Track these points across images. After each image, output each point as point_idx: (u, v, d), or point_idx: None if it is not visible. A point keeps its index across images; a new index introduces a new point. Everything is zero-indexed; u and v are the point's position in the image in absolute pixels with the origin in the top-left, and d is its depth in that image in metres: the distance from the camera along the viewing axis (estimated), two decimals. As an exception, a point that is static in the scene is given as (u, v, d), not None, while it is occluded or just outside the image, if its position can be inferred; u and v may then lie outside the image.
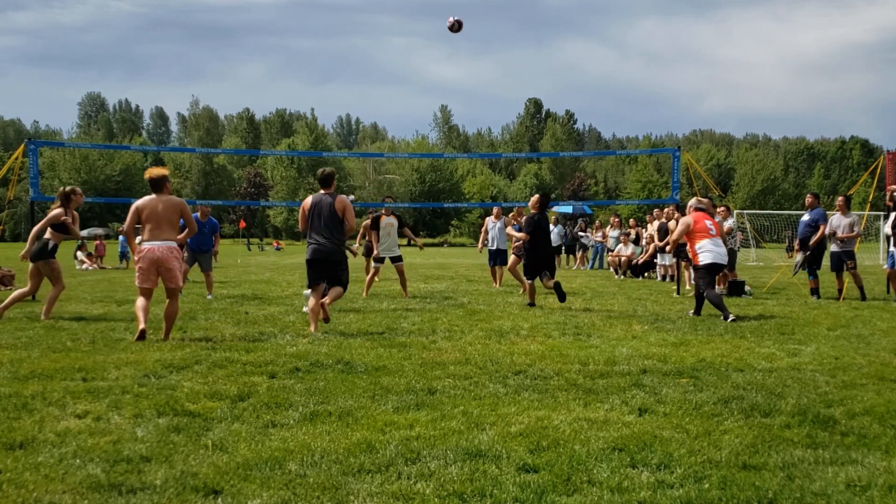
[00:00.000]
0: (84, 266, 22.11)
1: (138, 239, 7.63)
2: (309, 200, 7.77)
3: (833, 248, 12.04)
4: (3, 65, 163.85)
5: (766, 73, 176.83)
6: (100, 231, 34.21)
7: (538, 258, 10.56)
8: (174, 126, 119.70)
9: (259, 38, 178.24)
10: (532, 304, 10.56)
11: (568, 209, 34.14)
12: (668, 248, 11.45)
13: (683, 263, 13.62)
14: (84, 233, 29.80)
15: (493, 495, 3.16)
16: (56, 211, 9.18)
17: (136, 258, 7.23)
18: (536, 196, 10.93)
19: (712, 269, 9.54)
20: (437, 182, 75.39)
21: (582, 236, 23.09)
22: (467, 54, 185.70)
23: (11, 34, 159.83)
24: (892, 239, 11.37)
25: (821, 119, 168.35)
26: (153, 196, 7.21)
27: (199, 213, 12.49)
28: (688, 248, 9.96)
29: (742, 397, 4.88)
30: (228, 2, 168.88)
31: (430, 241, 75.52)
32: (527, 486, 3.26)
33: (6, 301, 8.94)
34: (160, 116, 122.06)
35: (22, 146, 12.08)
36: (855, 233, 11.91)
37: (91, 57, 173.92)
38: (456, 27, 11.40)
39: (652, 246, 16.16)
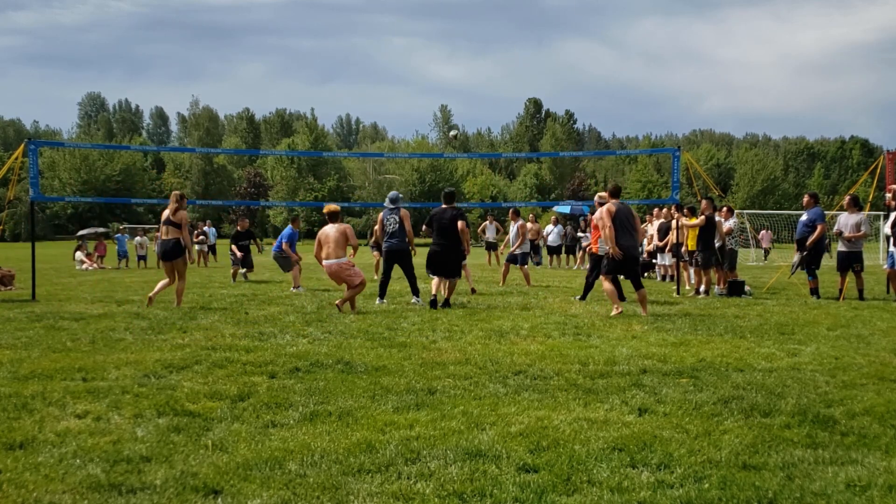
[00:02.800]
0: (84, 266, 22.11)
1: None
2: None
3: (840, 247, 11.95)
4: (3, 65, 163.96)
5: (766, 73, 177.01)
6: (101, 230, 34.21)
7: (430, 254, 10.57)
8: (174, 126, 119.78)
9: (259, 38, 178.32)
10: (433, 303, 10.24)
11: (566, 209, 34.14)
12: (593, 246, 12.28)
13: (683, 263, 13.61)
14: (83, 231, 29.81)
15: (493, 495, 3.16)
16: (183, 213, 10.41)
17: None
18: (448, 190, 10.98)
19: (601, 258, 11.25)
20: (437, 182, 75.31)
21: (581, 236, 23.08)
22: (467, 54, 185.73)
23: (11, 34, 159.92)
24: (892, 239, 11.36)
25: (821, 119, 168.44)
26: (329, 224, 9.86)
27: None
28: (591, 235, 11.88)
29: (742, 397, 4.88)
30: (228, 2, 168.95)
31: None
32: (527, 486, 3.26)
33: (156, 289, 10.46)
34: (160, 116, 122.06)
35: (22, 146, 12.06)
36: (862, 232, 11.83)
37: (91, 57, 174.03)
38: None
39: (652, 245, 16.16)
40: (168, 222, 10.14)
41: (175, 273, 10.24)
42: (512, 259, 14.80)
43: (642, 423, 4.25)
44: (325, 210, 10.02)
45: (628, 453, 3.71)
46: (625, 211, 9.60)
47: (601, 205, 11.27)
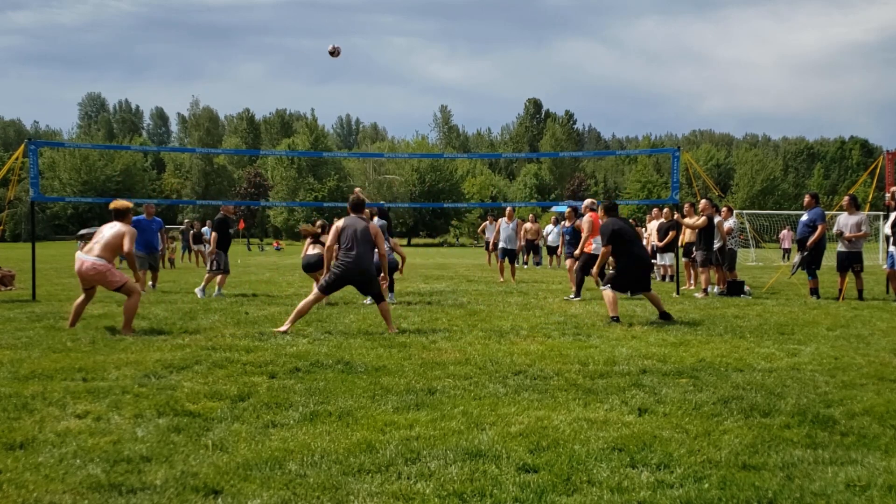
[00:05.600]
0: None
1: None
2: (341, 222, 8.22)
3: (840, 247, 11.96)
4: (2, 65, 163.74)
5: (766, 73, 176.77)
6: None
7: (631, 269, 8.97)
8: (174, 126, 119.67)
9: (259, 38, 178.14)
10: (615, 319, 8.75)
11: (563, 209, 34.14)
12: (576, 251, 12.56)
13: (685, 261, 13.61)
14: (83, 231, 29.80)
15: (493, 495, 3.17)
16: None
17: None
18: (603, 205, 9.73)
19: (594, 259, 11.40)
20: (436, 182, 75.32)
21: (581, 236, 23.06)
22: (467, 54, 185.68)
23: (10, 34, 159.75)
24: (891, 239, 11.36)
25: (820, 119, 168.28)
26: (114, 222, 8.04)
27: (144, 214, 13.62)
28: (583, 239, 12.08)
29: (742, 397, 4.89)
30: (228, 2, 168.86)
31: (430, 241, 75.56)
32: (527, 486, 3.26)
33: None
34: (160, 116, 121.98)
35: (22, 146, 12.06)
36: (863, 232, 11.83)
37: (90, 57, 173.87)
38: (335, 52, 11.85)
39: (650, 245, 16.16)
40: (317, 241, 11.08)
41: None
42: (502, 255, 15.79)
43: (642, 423, 4.25)
44: (111, 206, 8.14)
45: (628, 453, 3.71)
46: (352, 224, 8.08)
47: (591, 209, 11.94)
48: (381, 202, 12.21)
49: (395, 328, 7.97)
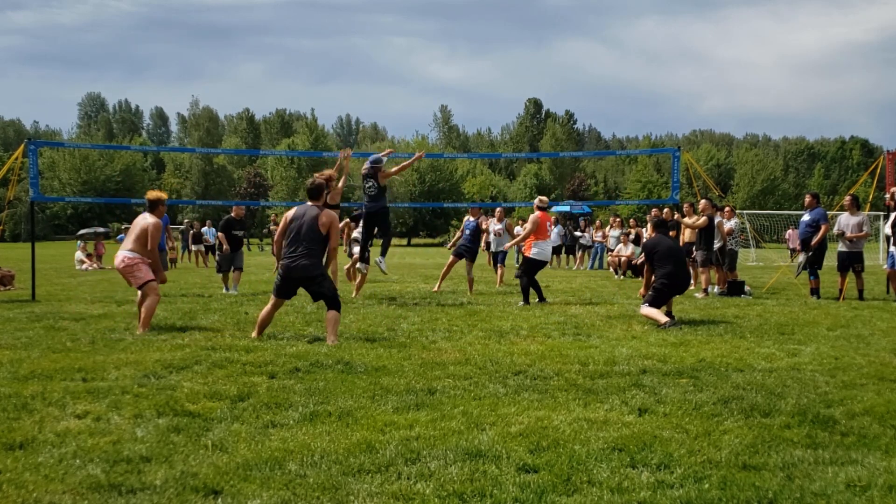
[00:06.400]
0: (84, 266, 22.10)
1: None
2: (291, 213, 7.43)
3: (840, 247, 11.97)
4: (2, 65, 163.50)
5: (766, 73, 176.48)
6: (101, 230, 34.18)
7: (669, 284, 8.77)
8: (174, 126, 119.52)
9: (258, 38, 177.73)
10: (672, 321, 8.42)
11: (565, 209, 34.24)
12: (514, 244, 12.29)
13: (687, 261, 13.60)
14: (83, 231, 29.80)
15: (493, 495, 3.17)
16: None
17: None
18: (653, 222, 9.68)
19: (537, 264, 10.98)
20: (436, 182, 75.26)
21: (580, 236, 23.07)
22: (467, 54, 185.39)
23: (10, 34, 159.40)
24: (892, 239, 11.36)
25: (821, 119, 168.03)
26: (145, 214, 8.07)
27: None
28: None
29: (742, 397, 4.89)
30: (228, 2, 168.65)
31: (430, 241, 75.53)
32: (527, 486, 3.26)
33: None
34: (160, 116, 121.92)
35: (22, 146, 12.07)
36: (864, 232, 11.84)
37: (90, 57, 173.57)
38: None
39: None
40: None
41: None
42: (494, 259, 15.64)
43: (642, 423, 4.25)
44: (146, 197, 8.18)
45: (628, 453, 3.71)
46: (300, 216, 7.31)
47: (541, 209, 11.10)
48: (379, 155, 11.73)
49: (335, 340, 6.99)
